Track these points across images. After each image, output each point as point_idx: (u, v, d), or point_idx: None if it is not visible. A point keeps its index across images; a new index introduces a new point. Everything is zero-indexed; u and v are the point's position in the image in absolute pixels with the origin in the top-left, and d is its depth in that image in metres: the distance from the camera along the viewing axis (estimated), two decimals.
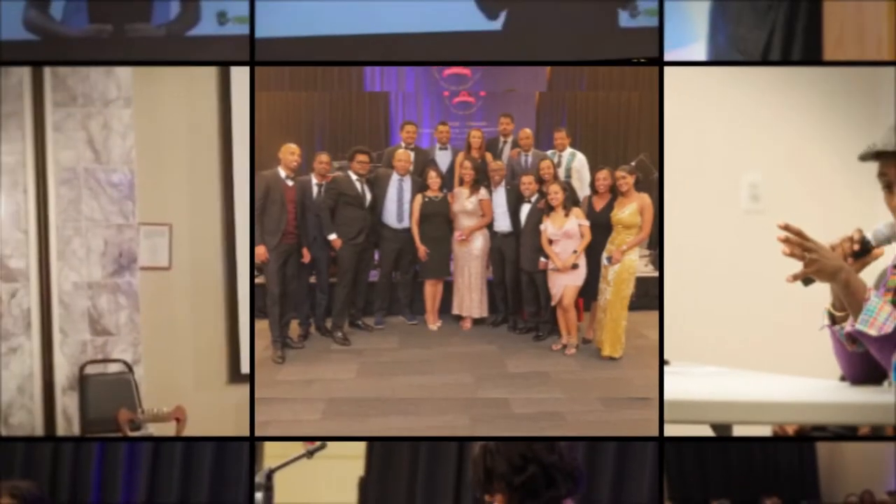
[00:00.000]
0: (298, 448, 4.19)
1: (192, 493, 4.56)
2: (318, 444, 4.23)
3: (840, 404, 3.92)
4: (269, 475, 4.09)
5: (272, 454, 4.40)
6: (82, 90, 5.79)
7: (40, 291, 5.79)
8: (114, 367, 5.85)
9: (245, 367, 6.49)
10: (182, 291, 6.56)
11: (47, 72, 5.64)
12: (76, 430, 5.60)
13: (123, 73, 5.82)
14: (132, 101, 5.92)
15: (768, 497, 4.84)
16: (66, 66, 5.53)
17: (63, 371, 5.79)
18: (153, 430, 5.05)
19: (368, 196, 8.24)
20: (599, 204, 7.81)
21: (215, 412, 5.59)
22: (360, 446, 4.76)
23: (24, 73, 5.61)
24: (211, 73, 6.48)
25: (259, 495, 4.04)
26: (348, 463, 4.68)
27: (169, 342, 6.33)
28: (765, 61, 4.58)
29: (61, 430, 5.62)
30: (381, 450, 4.73)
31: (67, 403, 5.75)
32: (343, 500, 4.67)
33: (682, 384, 4.00)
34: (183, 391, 5.77)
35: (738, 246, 4.53)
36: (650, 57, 4.40)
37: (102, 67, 5.67)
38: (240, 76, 6.19)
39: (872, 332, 3.79)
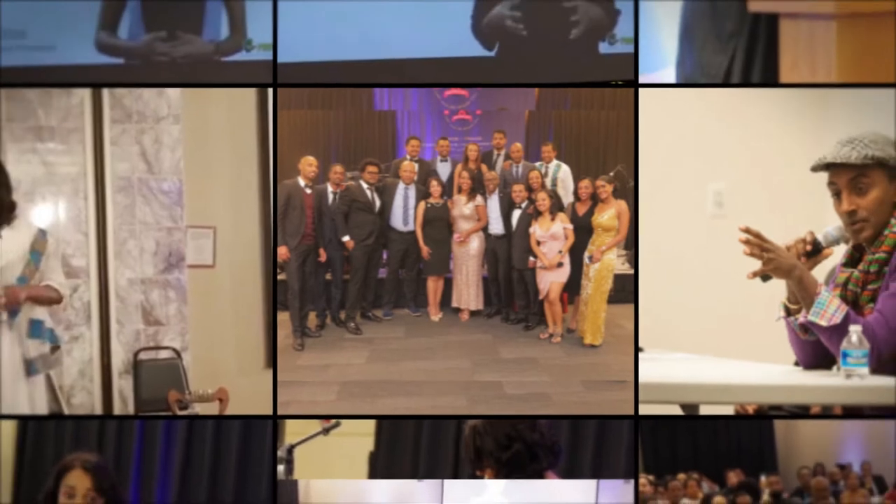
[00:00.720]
0: (316, 426, 4.23)
1: (221, 467, 4.58)
2: (333, 422, 4.26)
3: (794, 386, 3.92)
4: (290, 450, 4.13)
5: (292, 431, 4.42)
6: (136, 108, 5.93)
7: (99, 287, 5.93)
8: (164, 354, 6.00)
9: None
10: (224, 287, 6.63)
11: (105, 92, 5.74)
12: (131, 409, 5.77)
13: (173, 93, 5.95)
14: (181, 118, 6.04)
15: (731, 470, 4.82)
16: (121, 87, 5.63)
17: (119, 357, 5.95)
18: (199, 409, 5.02)
19: (378, 202, 8.27)
20: (582, 209, 7.86)
21: (253, 393, 5.55)
22: (371, 424, 4.77)
23: (85, 93, 5.72)
24: (250, 93, 6.44)
25: (281, 468, 4.07)
26: (360, 440, 4.69)
27: (213, 332, 6.42)
28: (727, 83, 4.58)
29: (117, 410, 5.81)
30: (388, 427, 4.74)
31: (123, 386, 5.92)
32: (355, 473, 4.68)
33: (654, 369, 4.04)
34: (225, 375, 5.84)
35: (704, 247, 4.53)
36: (626, 80, 4.40)
37: (155, 89, 5.80)
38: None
39: (823, 322, 3.80)
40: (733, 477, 4.83)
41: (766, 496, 4.73)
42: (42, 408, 4.09)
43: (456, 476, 4.48)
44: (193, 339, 6.18)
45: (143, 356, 5.96)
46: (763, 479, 4.77)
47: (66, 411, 4.79)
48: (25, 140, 5.64)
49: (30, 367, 3.98)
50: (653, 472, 4.78)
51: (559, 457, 3.59)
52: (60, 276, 4.23)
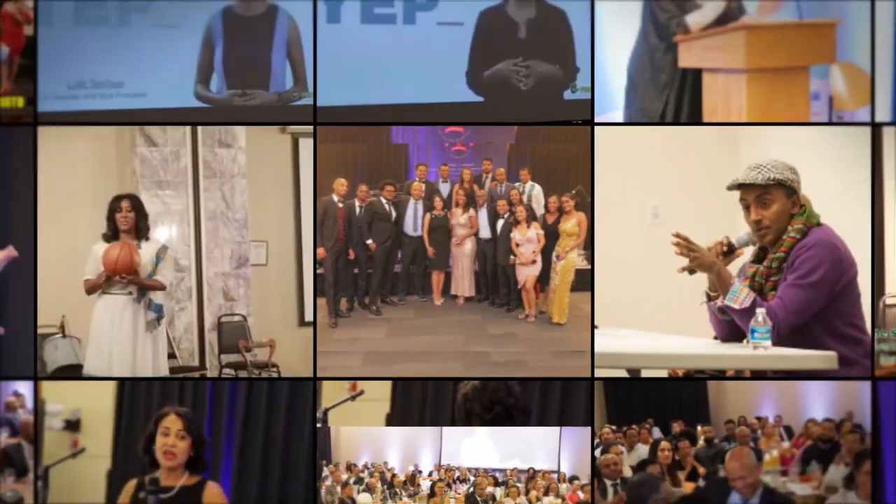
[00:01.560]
0: (345, 393, 4.27)
1: (273, 420, 4.53)
2: (358, 390, 4.29)
3: (713, 355, 3.95)
4: (325, 412, 4.17)
5: (327, 397, 4.39)
6: (219, 168, 6.60)
7: (196, 277, 6.54)
8: (236, 318, 6.58)
9: (307, 317, 7.17)
10: (272, 277, 7.18)
11: (200, 158, 6.51)
12: (216, 352, 6.41)
13: (241, 156, 6.72)
14: (246, 175, 6.76)
15: (675, 421, 4.80)
16: (200, 125, 6.11)
17: (209, 320, 6.52)
18: (257, 352, 6.09)
19: (394, 214, 8.29)
20: (550, 219, 7.87)
21: (289, 342, 6.36)
22: (387, 391, 4.71)
23: (188, 159, 6.46)
24: (287, 139, 7.29)
25: (319, 426, 4.12)
26: (378, 404, 4.65)
27: (265, 304, 6.98)
28: (662, 122, 4.59)
29: (207, 354, 6.45)
30: (401, 392, 4.69)
31: (211, 338, 6.50)
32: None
33: (606, 342, 4.02)
34: (272, 331, 6.40)
35: (644, 248, 4.52)
36: (585, 120, 4.38)
37: (230, 157, 6.65)
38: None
39: (736, 306, 3.80)
40: (676, 427, 4.79)
41: (701, 441, 4.72)
42: (163, 351, 4.66)
43: (453, 422, 4.47)
44: (254, 309, 6.77)
45: (223, 319, 6.55)
46: (699, 428, 4.75)
47: (178, 353, 6.05)
48: (153, 189, 6.28)
49: (147, 327, 4.48)
50: (615, 423, 4.75)
51: (529, 417, 3.61)
52: (170, 274, 5.06)
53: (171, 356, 4.97)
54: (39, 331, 4.66)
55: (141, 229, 4.54)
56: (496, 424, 3.60)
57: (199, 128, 6.36)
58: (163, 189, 6.27)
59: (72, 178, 4.50)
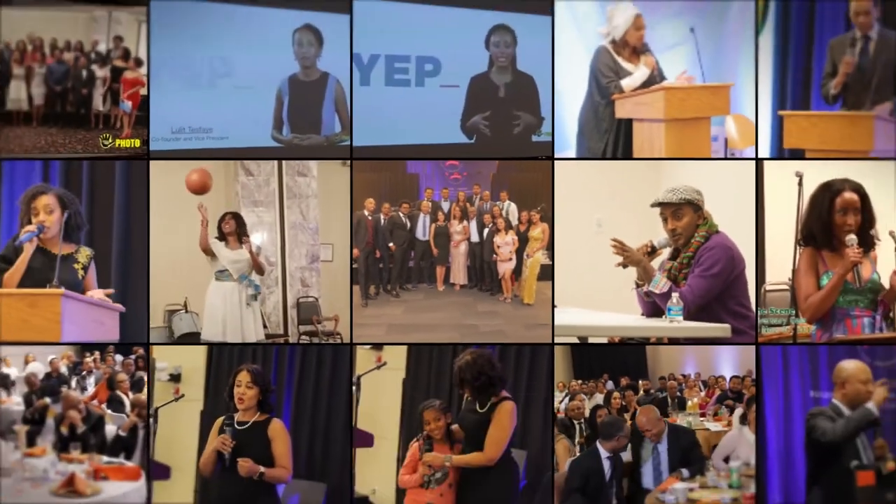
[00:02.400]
0: (373, 364, 4.32)
1: (321, 373, 4.52)
2: (383, 361, 4.31)
3: (641, 327, 4.05)
4: (358, 378, 4.18)
5: (360, 366, 4.39)
6: (297, 190, 6.57)
7: (281, 269, 6.46)
8: (310, 299, 6.49)
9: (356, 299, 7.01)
10: (336, 270, 6.97)
11: (284, 184, 6.49)
12: (296, 324, 6.34)
13: (314, 183, 6.72)
14: (318, 194, 6.71)
15: (623, 377, 4.77)
16: (270, 160, 6.03)
17: (290, 301, 6.43)
18: (325, 324, 5.98)
19: (409, 224, 8.29)
20: (522, 228, 7.89)
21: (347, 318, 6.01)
22: (403, 360, 4.65)
23: (275, 183, 6.43)
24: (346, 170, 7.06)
25: (354, 389, 4.16)
26: (397, 372, 4.62)
27: (331, 290, 6.77)
28: (604, 158, 4.60)
29: (289, 326, 6.35)
30: (414, 361, 4.65)
31: (292, 314, 6.40)
32: (394, 392, 4.65)
33: (563, 317, 4.09)
34: (337, 309, 6.14)
35: (591, 250, 4.43)
36: (547, 156, 4.42)
37: (306, 183, 6.68)
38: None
39: (657, 291, 3.91)
40: (624, 381, 4.79)
41: (641, 392, 4.72)
42: (259, 322, 4.79)
43: (451, 386, 4.40)
44: (323, 292, 6.69)
45: (301, 300, 6.47)
46: (640, 382, 4.76)
47: (268, 325, 5.80)
48: (250, 206, 6.20)
49: (247, 300, 4.58)
50: (579, 378, 4.71)
51: (505, 384, 3.68)
52: (266, 266, 5.05)
53: (265, 327, 5.06)
54: (168, 308, 4.74)
55: (240, 234, 4.67)
56: (482, 390, 3.66)
57: (284, 161, 6.31)
58: (257, 206, 6.27)
59: (181, 199, 4.49)
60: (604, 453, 4.10)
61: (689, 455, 4.19)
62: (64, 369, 4.51)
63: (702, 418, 4.63)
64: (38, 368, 4.52)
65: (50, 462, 4.06)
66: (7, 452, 4.12)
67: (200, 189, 4.47)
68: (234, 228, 4.68)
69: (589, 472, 4.08)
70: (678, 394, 4.72)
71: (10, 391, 4.44)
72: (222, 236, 4.68)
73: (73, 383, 4.47)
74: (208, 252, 4.63)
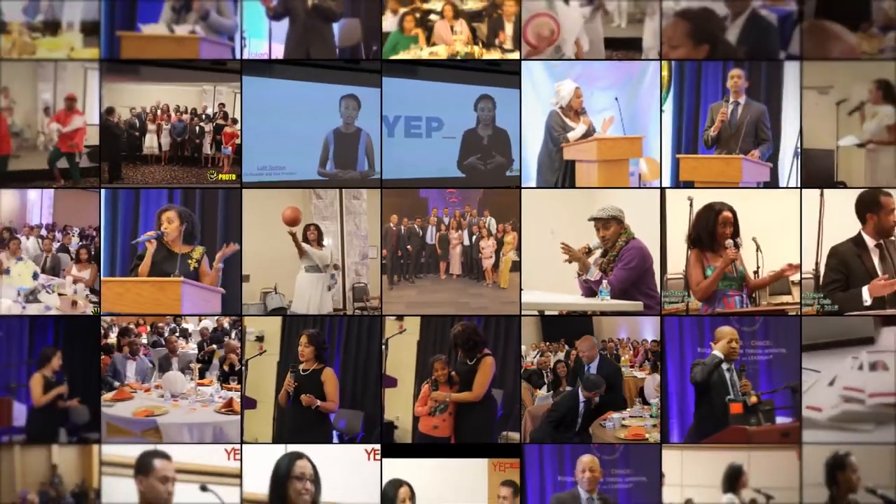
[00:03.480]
0: (396, 329, 4.31)
1: (361, 335, 4.48)
2: (403, 328, 4.31)
3: (581, 303, 4.09)
4: (386, 341, 4.19)
5: (388, 330, 4.39)
6: (353, 210, 5.99)
7: (342, 264, 5.70)
8: (361, 284, 5.92)
9: None
10: (377, 265, 6.16)
11: (343, 204, 5.89)
12: (352, 302, 5.71)
13: (364, 204, 5.99)
14: (367, 212, 6.00)
15: (576, 339, 4.49)
16: (319, 188, 5.45)
17: (348, 286, 5.79)
18: (372, 301, 5.20)
19: (421, 233, 8.19)
20: (499, 235, 7.59)
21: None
22: (417, 326, 4.63)
23: (336, 202, 5.81)
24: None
25: (383, 347, 4.15)
26: (413, 335, 4.61)
27: (374, 277, 6.00)
28: (556, 187, 4.54)
29: (348, 303, 5.69)
30: (425, 329, 4.64)
31: (349, 295, 5.76)
32: (410, 350, 4.58)
33: (527, 297, 4.14)
34: (376, 291, 5.45)
35: (547, 251, 4.45)
36: (517, 186, 4.35)
37: (359, 203, 5.93)
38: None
39: (592, 279, 3.97)
40: (576, 342, 4.59)
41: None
42: (331, 301, 4.68)
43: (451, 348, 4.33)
44: (371, 280, 6.02)
45: (355, 285, 5.93)
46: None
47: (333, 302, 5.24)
48: (321, 220, 5.59)
49: (329, 287, 4.64)
50: (547, 340, 4.65)
51: (487, 344, 3.83)
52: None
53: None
54: (263, 290, 4.64)
55: (320, 240, 4.73)
56: (470, 349, 3.78)
57: (343, 189, 5.75)
58: (325, 220, 5.81)
59: (268, 218, 4.47)
60: (581, 398, 4.08)
61: (612, 380, 4.19)
62: (227, 325, 4.59)
63: (631, 368, 4.62)
64: (208, 324, 4.65)
65: (215, 389, 4.31)
66: (185, 382, 4.32)
67: (292, 221, 4.41)
68: (316, 236, 4.70)
69: (568, 409, 4.06)
70: (615, 352, 4.70)
71: (188, 340, 4.62)
72: (307, 240, 4.66)
73: (232, 335, 4.53)
74: (303, 255, 4.59)
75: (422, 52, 4.35)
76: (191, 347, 4.68)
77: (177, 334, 4.65)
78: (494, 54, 4.34)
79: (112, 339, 4.37)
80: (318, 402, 3.85)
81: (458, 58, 4.33)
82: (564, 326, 4.60)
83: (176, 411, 4.11)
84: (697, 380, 3.87)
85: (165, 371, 4.42)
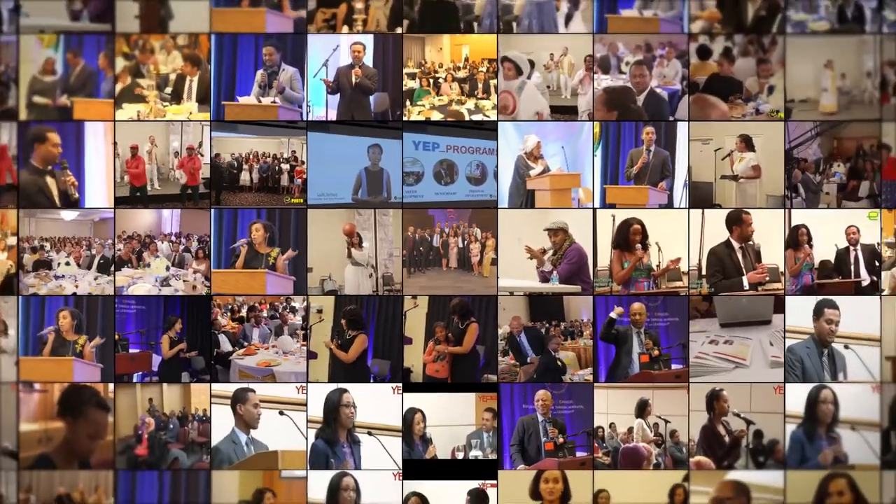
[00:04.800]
0: (412, 305, 4.20)
1: (386, 308, 4.39)
2: (417, 304, 4.23)
3: (539, 287, 3.97)
4: (405, 312, 4.11)
5: (407, 306, 4.34)
6: (382, 223, 5.05)
7: (375, 260, 4.89)
8: (389, 273, 4.94)
9: None
10: (400, 261, 5.47)
11: (376, 218, 4.91)
12: (382, 285, 4.84)
13: (389, 219, 4.95)
14: (392, 225, 4.98)
15: (553, 320, 4.33)
16: (353, 207, 4.86)
17: (379, 274, 4.87)
18: (396, 285, 4.66)
19: (429, 239, 7.88)
20: (483, 241, 7.33)
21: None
22: (426, 304, 4.49)
23: (373, 219, 4.92)
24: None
25: (403, 317, 4.08)
26: (423, 309, 4.49)
27: (398, 269, 5.17)
28: (523, 208, 4.46)
29: (379, 286, 4.82)
30: (431, 304, 4.52)
31: (380, 281, 4.77)
32: (420, 319, 4.41)
33: (503, 283, 4.10)
34: (399, 279, 4.96)
35: (517, 251, 4.37)
36: (495, 206, 4.28)
37: (388, 218, 4.86)
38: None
39: (547, 270, 3.86)
40: (553, 322, 4.41)
41: (560, 327, 4.38)
42: (369, 285, 4.44)
43: (448, 316, 4.30)
44: (395, 271, 5.08)
45: (384, 275, 4.98)
46: (562, 323, 4.41)
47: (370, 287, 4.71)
48: (361, 229, 4.88)
49: (369, 275, 4.31)
50: (534, 320, 4.32)
51: (473, 314, 3.80)
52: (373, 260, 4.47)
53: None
54: (322, 278, 4.41)
55: (360, 244, 4.54)
56: (462, 317, 3.76)
57: (377, 210, 4.86)
58: (364, 230, 4.95)
59: (326, 229, 4.41)
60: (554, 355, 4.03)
61: (540, 342, 4.12)
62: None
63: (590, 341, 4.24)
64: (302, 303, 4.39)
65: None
66: (293, 343, 4.27)
67: (350, 233, 4.45)
68: (358, 241, 4.57)
69: (547, 368, 4.01)
70: (580, 329, 4.37)
71: (295, 314, 4.42)
72: (352, 244, 4.53)
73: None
74: (350, 254, 4.50)
75: (433, 99, 4.45)
76: (296, 319, 4.52)
77: (287, 310, 4.56)
78: (473, 104, 4.36)
79: (243, 313, 4.40)
80: (336, 350, 4.04)
81: (454, 103, 4.37)
82: (545, 307, 4.37)
83: (286, 363, 4.21)
84: (601, 335, 3.92)
85: (279, 336, 4.43)
